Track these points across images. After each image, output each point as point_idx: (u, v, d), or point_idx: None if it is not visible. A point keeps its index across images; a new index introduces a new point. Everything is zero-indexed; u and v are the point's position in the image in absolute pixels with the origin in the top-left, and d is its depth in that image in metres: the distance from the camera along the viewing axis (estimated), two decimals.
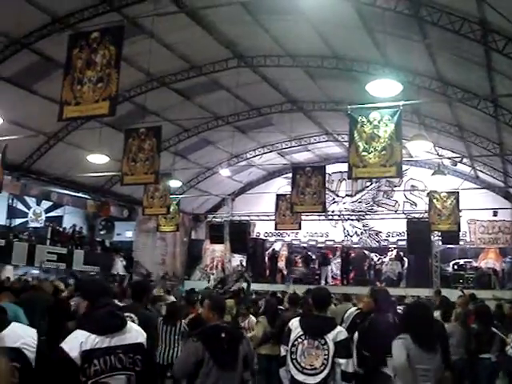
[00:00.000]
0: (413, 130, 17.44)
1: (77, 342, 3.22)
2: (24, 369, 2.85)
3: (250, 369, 5.22)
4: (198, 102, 20.98)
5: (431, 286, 22.54)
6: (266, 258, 28.54)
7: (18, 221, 24.79)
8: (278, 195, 22.71)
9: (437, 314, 9.69)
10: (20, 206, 24.95)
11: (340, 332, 5.00)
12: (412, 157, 23.32)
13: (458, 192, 20.94)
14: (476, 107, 16.20)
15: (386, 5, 12.53)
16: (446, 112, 18.62)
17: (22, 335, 2.96)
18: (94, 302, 3.50)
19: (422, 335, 4.88)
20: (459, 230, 21.58)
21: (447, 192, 20.71)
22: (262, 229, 29.69)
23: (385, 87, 12.54)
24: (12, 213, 23.57)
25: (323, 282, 25.40)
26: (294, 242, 29.57)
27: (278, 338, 8.52)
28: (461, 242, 24.33)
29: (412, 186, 27.40)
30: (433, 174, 20.15)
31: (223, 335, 5.04)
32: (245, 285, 18.96)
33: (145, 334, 3.55)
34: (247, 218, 28.38)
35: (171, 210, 21.27)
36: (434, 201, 20.61)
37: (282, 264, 28.24)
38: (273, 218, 23.00)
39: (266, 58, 17.68)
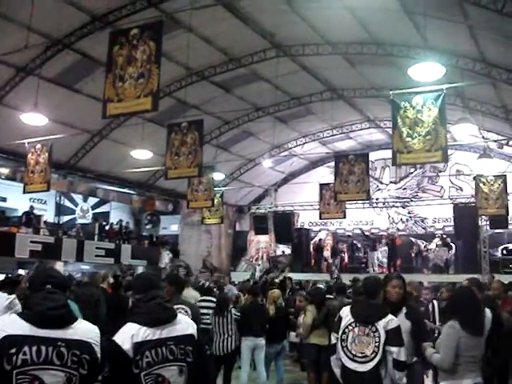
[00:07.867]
0: (457, 113, 17.10)
1: (128, 335, 3.26)
2: (92, 362, 2.98)
3: None
4: (237, 94, 21.01)
5: (480, 271, 22.18)
6: (311, 248, 28.52)
7: (66, 218, 25.28)
8: (321, 184, 22.59)
9: None
10: (67, 203, 25.43)
11: (391, 320, 4.92)
12: (456, 141, 22.87)
13: (505, 175, 20.62)
14: None
15: None
16: (491, 94, 18.21)
17: (90, 330, 3.09)
18: (141, 295, 3.54)
19: (471, 321, 4.87)
20: (507, 214, 21.11)
21: (494, 175, 20.34)
22: (306, 218, 29.60)
23: (427, 71, 12.33)
24: (60, 210, 24.14)
25: (371, 269, 25.23)
26: (338, 230, 29.40)
27: (324, 326, 8.51)
28: (510, 227, 23.80)
29: (457, 170, 26.94)
30: (479, 158, 19.76)
31: None
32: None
33: (195, 326, 3.57)
34: (291, 209, 28.37)
35: (215, 202, 21.37)
36: (481, 185, 20.26)
37: (327, 253, 28.15)
38: (316, 207, 22.92)
39: (304, 46, 17.55)
